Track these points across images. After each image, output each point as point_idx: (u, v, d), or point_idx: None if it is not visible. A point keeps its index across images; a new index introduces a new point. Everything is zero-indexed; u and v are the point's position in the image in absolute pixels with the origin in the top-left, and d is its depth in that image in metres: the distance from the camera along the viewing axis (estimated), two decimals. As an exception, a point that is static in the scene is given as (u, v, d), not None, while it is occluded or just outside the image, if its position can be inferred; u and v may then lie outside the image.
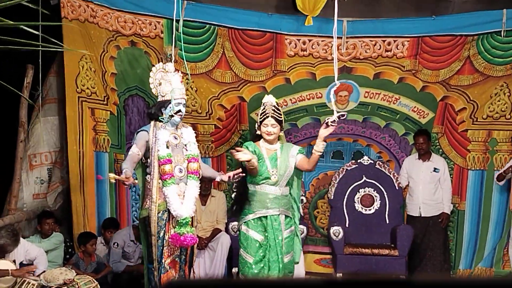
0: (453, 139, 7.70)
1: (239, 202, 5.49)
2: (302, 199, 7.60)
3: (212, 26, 7.26)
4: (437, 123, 7.68)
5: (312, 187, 7.84)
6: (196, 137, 7.32)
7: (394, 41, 7.39)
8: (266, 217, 5.36)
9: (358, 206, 7.73)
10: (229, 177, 5.26)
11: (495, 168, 7.57)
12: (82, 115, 6.95)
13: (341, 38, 7.22)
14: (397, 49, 7.40)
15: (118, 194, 7.29)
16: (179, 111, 5.23)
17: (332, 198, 7.75)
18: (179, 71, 5.46)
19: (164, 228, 5.15)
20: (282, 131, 5.45)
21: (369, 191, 7.65)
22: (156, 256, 5.13)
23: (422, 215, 7.46)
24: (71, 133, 6.88)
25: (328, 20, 6.78)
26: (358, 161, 7.77)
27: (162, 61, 5.40)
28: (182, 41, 6.44)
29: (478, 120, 7.59)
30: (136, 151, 5.14)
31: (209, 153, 7.66)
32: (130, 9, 7.02)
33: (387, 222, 7.57)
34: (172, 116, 5.21)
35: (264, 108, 5.36)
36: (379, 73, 7.53)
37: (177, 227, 5.15)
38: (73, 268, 6.31)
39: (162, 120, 5.25)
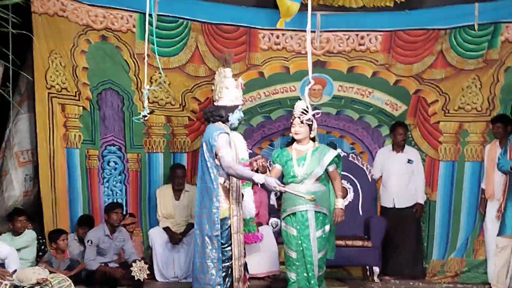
0: (425, 131, 7.77)
1: (279, 201, 5.97)
2: (276, 193, 7.64)
3: (185, 21, 7.19)
4: (410, 115, 7.74)
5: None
6: (171, 131, 7.42)
7: (368, 35, 7.40)
8: (295, 213, 5.68)
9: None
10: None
11: (466, 159, 7.65)
12: (52, 111, 6.84)
13: (314, 32, 7.22)
14: (371, 43, 7.42)
15: (90, 190, 7.23)
16: (241, 117, 5.43)
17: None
18: (240, 78, 5.54)
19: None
20: (313, 133, 5.76)
21: (342, 183, 7.67)
22: (236, 255, 5.18)
23: (396, 206, 7.53)
24: (41, 130, 6.79)
25: (301, 13, 6.73)
26: (332, 152, 7.79)
27: (223, 66, 5.44)
28: (154, 36, 6.35)
29: (450, 112, 7.65)
30: (233, 153, 5.20)
31: (186, 148, 7.63)
32: (102, 3, 6.90)
33: (361, 214, 7.62)
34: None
35: (293, 111, 5.76)
36: (352, 67, 7.54)
37: (245, 226, 5.34)
38: (46, 265, 6.30)
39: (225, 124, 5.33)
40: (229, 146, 5.19)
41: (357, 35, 7.42)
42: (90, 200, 7.23)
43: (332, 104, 7.73)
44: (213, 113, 5.39)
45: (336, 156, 5.76)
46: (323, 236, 5.68)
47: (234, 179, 5.23)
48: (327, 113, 7.72)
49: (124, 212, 7.23)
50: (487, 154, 7.29)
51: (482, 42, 7.30)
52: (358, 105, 7.73)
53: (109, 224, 6.80)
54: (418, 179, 7.60)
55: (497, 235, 6.73)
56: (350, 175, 7.64)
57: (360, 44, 7.43)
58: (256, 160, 5.48)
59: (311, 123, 5.69)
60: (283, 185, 5.28)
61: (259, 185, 5.30)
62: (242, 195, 5.33)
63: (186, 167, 7.53)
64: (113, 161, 7.40)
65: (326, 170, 5.74)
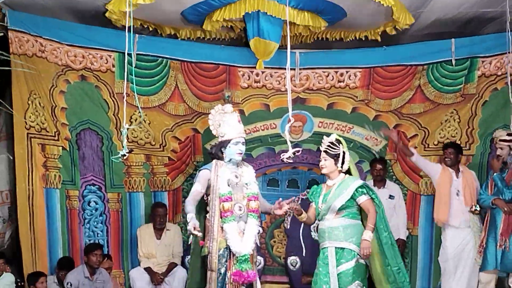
0: (406, 165, 7.78)
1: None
2: (258, 230, 7.59)
3: (165, 59, 7.19)
4: (390, 150, 7.75)
5: (268, 217, 7.79)
6: (151, 170, 7.36)
7: (347, 72, 7.43)
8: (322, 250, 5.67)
9: (314, 235, 7.69)
10: (286, 212, 5.62)
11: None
12: (31, 151, 6.76)
13: (294, 69, 7.26)
14: (350, 79, 7.45)
15: (71, 231, 7.12)
16: (240, 150, 5.49)
17: (288, 227, 7.70)
18: (237, 111, 5.75)
19: (225, 265, 5.33)
20: (345, 166, 5.66)
21: (324, 220, 7.66)
22: None
23: (378, 242, 7.50)
24: (20, 171, 6.70)
25: (281, 51, 6.78)
26: (314, 189, 7.81)
27: (222, 103, 5.76)
28: (134, 75, 6.34)
29: (430, 146, 7.68)
30: (199, 188, 5.38)
31: (166, 187, 7.58)
32: (81, 43, 6.86)
33: (344, 250, 7.57)
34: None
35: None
36: (332, 104, 7.56)
37: (237, 263, 5.32)
38: (25, 309, 6.18)
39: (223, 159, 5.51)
40: (200, 183, 5.39)
41: (336, 72, 7.45)
42: (71, 242, 7.11)
43: (312, 140, 7.71)
44: (209, 153, 5.70)
45: (360, 186, 5.61)
46: (346, 271, 5.49)
47: (213, 215, 5.33)
48: (308, 150, 7.73)
49: (106, 252, 7.14)
50: (440, 175, 7.17)
51: (459, 76, 7.36)
52: (339, 141, 7.74)
53: (89, 266, 6.70)
54: (400, 215, 7.57)
55: (480, 271, 6.75)
56: (332, 211, 7.61)
57: (339, 81, 7.47)
58: (288, 203, 5.53)
59: (336, 155, 5.64)
60: (198, 230, 5.17)
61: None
62: (222, 229, 5.34)
63: (167, 206, 7.48)
64: (94, 201, 7.32)
65: (357, 202, 5.63)
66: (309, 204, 5.90)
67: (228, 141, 5.49)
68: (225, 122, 5.54)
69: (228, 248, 5.36)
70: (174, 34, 7.25)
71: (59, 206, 7.00)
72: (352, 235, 5.56)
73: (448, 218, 7.08)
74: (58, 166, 6.99)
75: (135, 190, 7.48)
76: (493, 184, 6.80)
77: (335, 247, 5.56)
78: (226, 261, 5.35)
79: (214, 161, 5.51)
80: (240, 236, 5.38)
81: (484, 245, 6.75)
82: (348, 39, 7.37)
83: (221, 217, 5.36)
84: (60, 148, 6.99)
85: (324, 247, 5.63)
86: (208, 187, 5.43)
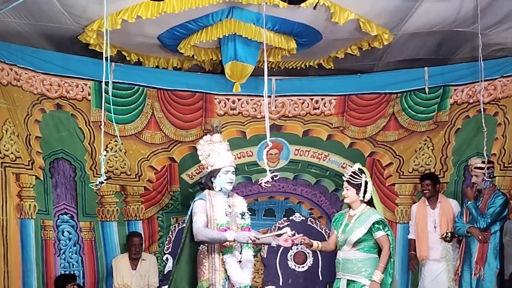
0: (381, 193, 7.79)
1: None
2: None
3: (141, 87, 7.17)
4: (365, 178, 7.78)
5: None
6: (125, 198, 7.29)
7: (322, 99, 7.49)
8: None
9: (291, 264, 7.73)
10: (293, 242, 5.52)
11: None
12: (6, 181, 6.65)
13: (270, 96, 7.31)
14: (325, 106, 7.51)
15: (46, 263, 6.98)
16: (230, 179, 5.42)
17: (265, 256, 7.73)
18: (225, 141, 5.68)
19: None
20: (367, 196, 5.69)
21: (301, 248, 7.67)
22: None
23: (355, 270, 7.49)
24: (-6, 201, 6.60)
25: (256, 78, 6.85)
26: (290, 218, 7.84)
27: (208, 134, 5.75)
28: (111, 103, 6.30)
29: (405, 174, 7.73)
30: (205, 218, 5.22)
31: (140, 215, 7.51)
32: (56, 72, 6.81)
33: (321, 278, 7.59)
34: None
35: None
36: (308, 131, 7.60)
37: None
38: None
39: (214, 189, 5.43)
40: (202, 212, 5.23)
41: (311, 99, 7.49)
42: (45, 273, 6.97)
43: (289, 168, 7.75)
44: (198, 183, 5.61)
45: (377, 222, 5.58)
46: None
47: (210, 246, 5.24)
48: (284, 178, 7.75)
49: (80, 282, 7.02)
50: (416, 214, 7.30)
51: (432, 104, 7.44)
52: (314, 168, 7.77)
53: None
54: (376, 243, 7.60)
55: (455, 300, 6.78)
56: (309, 240, 7.61)
57: (314, 108, 7.51)
58: (296, 238, 5.53)
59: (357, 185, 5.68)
60: (256, 235, 5.23)
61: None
62: (223, 261, 5.26)
63: (143, 235, 7.40)
64: (67, 231, 7.23)
65: (373, 236, 5.61)
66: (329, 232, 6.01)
67: (218, 170, 5.43)
68: (214, 152, 5.48)
69: (227, 278, 5.30)
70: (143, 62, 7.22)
71: (33, 237, 6.86)
72: (365, 269, 5.56)
73: (427, 253, 7.11)
74: (33, 195, 6.88)
75: (108, 219, 7.42)
76: (467, 212, 6.86)
77: (347, 279, 5.59)
78: None
79: (206, 191, 5.44)
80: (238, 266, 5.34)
81: (459, 273, 6.80)
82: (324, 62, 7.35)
83: (220, 247, 5.29)
84: (34, 177, 6.88)
85: (338, 278, 5.70)
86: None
